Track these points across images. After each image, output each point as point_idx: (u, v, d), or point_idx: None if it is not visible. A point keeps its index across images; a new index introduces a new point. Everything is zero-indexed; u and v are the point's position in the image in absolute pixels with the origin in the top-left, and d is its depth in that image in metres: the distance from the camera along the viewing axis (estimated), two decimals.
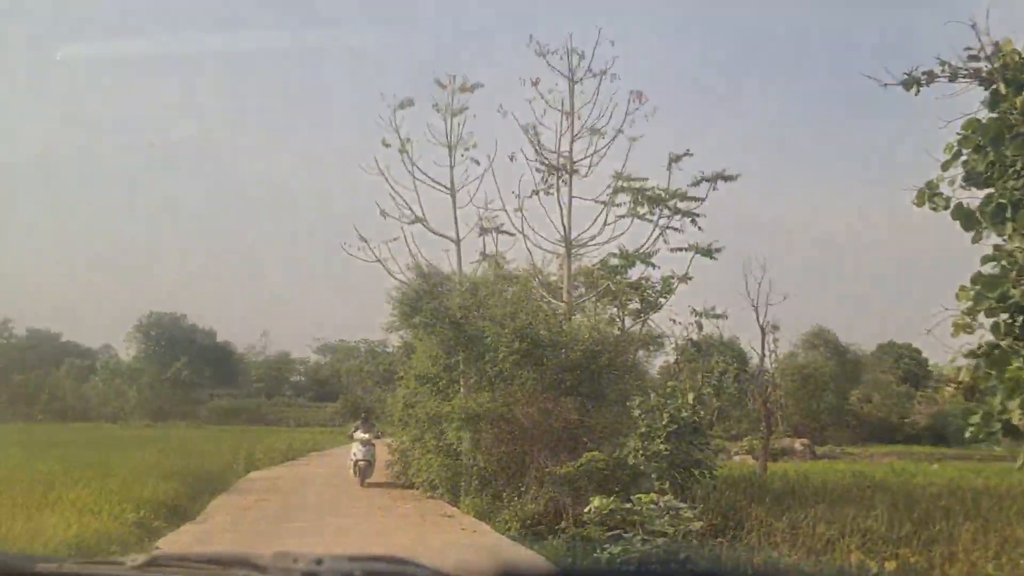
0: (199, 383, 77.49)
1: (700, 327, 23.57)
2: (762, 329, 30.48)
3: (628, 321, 23.13)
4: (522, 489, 17.25)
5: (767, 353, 31.28)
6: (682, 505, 12.12)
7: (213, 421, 66.98)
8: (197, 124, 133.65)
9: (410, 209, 20.84)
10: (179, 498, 17.51)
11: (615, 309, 23.30)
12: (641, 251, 20.40)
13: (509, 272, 22.83)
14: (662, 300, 22.71)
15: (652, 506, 11.63)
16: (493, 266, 22.53)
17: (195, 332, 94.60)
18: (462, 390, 19.71)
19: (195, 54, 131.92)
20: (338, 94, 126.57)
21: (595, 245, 20.81)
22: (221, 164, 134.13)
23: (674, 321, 22.52)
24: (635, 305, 23.36)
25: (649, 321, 22.97)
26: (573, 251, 20.86)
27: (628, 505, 12.11)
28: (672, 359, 27.33)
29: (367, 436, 22.71)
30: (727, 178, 20.58)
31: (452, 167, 20.97)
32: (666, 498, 12.12)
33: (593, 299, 21.76)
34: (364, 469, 22.25)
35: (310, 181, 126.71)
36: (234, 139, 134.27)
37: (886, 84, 9.10)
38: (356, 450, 22.61)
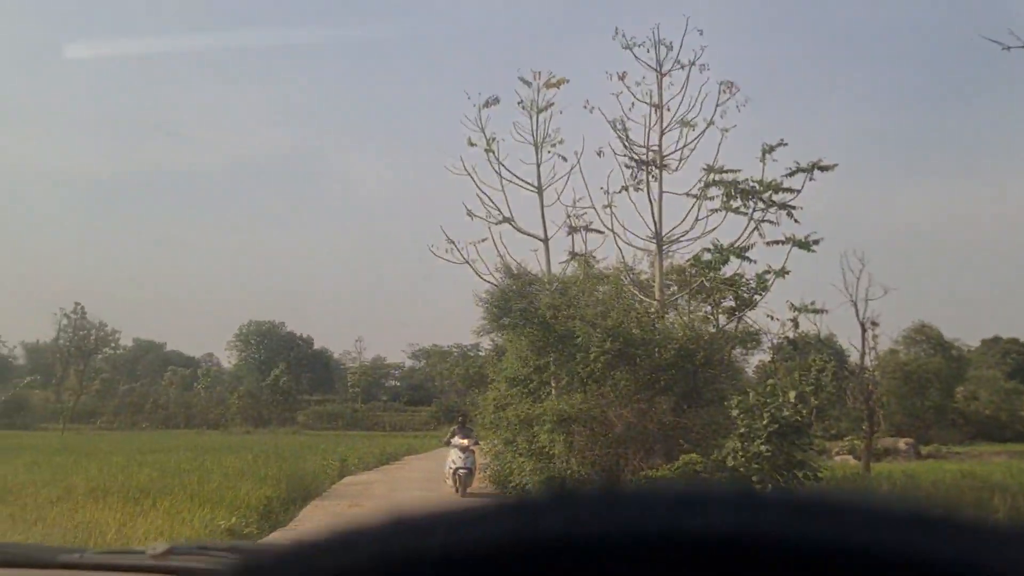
0: (297, 389, 78.42)
1: (796, 324, 22.60)
2: (862, 325, 29.31)
3: (722, 319, 22.32)
4: None
5: (867, 349, 30.11)
6: None
7: (311, 426, 67.66)
8: (285, 135, 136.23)
9: (497, 209, 20.44)
10: (271, 504, 17.30)
11: (709, 307, 22.48)
12: (736, 246, 19.58)
13: (599, 271, 22.20)
14: (757, 297, 21.78)
15: None
16: (582, 265, 21.92)
17: (293, 339, 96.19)
18: (553, 392, 19.16)
19: (277, 57, 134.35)
20: (423, 95, 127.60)
21: (687, 241, 20.10)
22: (311, 173, 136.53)
23: (771, 317, 21.59)
24: (729, 303, 22.48)
25: (745, 318, 22.07)
26: (664, 247, 20.16)
27: None
28: (768, 358, 26.38)
29: (466, 442, 20.46)
30: (824, 168, 19.62)
31: (539, 164, 20.52)
32: None
33: (686, 296, 20.95)
34: (464, 478, 20.10)
35: (399, 185, 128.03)
36: (322, 148, 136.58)
37: (1009, 47, 8.23)
38: (454, 458, 20.36)
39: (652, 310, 19.52)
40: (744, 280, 21.60)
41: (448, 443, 21.00)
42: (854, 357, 31.45)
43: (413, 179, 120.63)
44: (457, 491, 19.93)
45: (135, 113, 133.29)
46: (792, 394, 14.73)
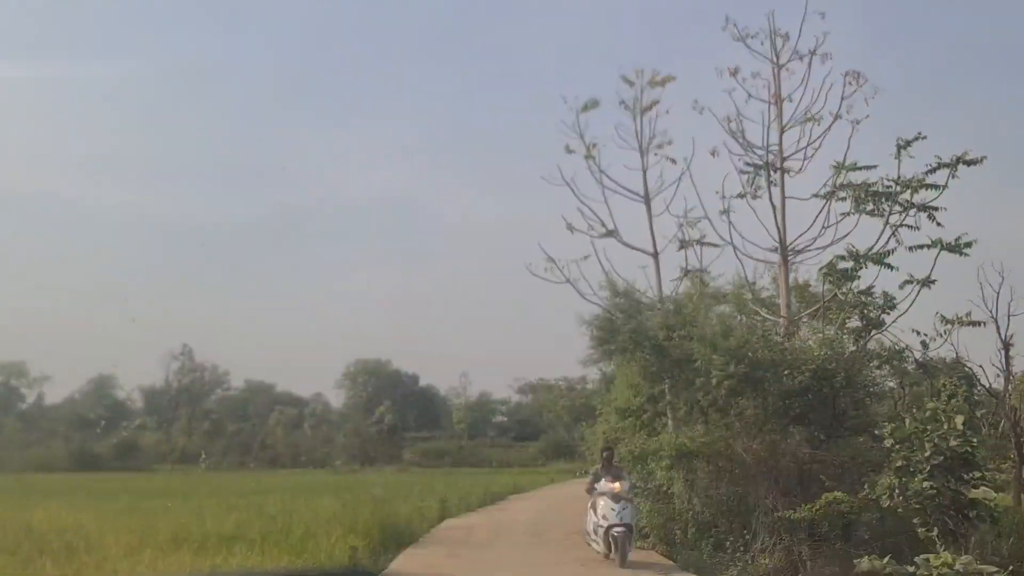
0: (403, 426, 77.35)
1: (926, 346, 19.78)
2: (1005, 344, 26.18)
3: (846, 340, 19.57)
4: (747, 537, 14.31)
5: (1009, 371, 26.89)
6: (992, 569, 8.84)
7: (417, 464, 66.25)
8: (388, 176, 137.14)
9: (600, 221, 18.32)
10: (359, 554, 15.41)
11: (832, 329, 19.76)
12: (872, 252, 17.02)
13: (715, 289, 19.85)
14: (884, 316, 19.08)
15: (947, 571, 8.46)
16: (696, 283, 19.62)
17: (399, 377, 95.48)
18: (669, 423, 16.92)
19: (376, 98, 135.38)
20: (521, 125, 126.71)
21: (815, 250, 17.59)
22: (413, 212, 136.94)
23: (917, 333, 18.89)
24: (855, 322, 19.71)
25: (880, 337, 19.31)
26: (789, 258, 17.77)
27: (911, 568, 8.97)
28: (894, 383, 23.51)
29: (617, 486, 14.51)
30: (970, 162, 16.98)
31: (644, 170, 18.34)
32: (965, 559, 8.87)
33: (819, 311, 18.23)
34: (623, 541, 14.04)
35: (501, 219, 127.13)
36: (424, 186, 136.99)
37: None
38: (604, 510, 14.40)
39: (778, 329, 17.14)
40: (871, 300, 18.98)
41: (592, 490, 15.08)
42: (988, 381, 28.24)
43: (514, 212, 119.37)
44: (610, 556, 14.38)
45: (242, 160, 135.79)
46: (960, 419, 12.22)
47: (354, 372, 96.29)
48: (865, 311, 19.12)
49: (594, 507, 14.88)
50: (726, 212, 17.48)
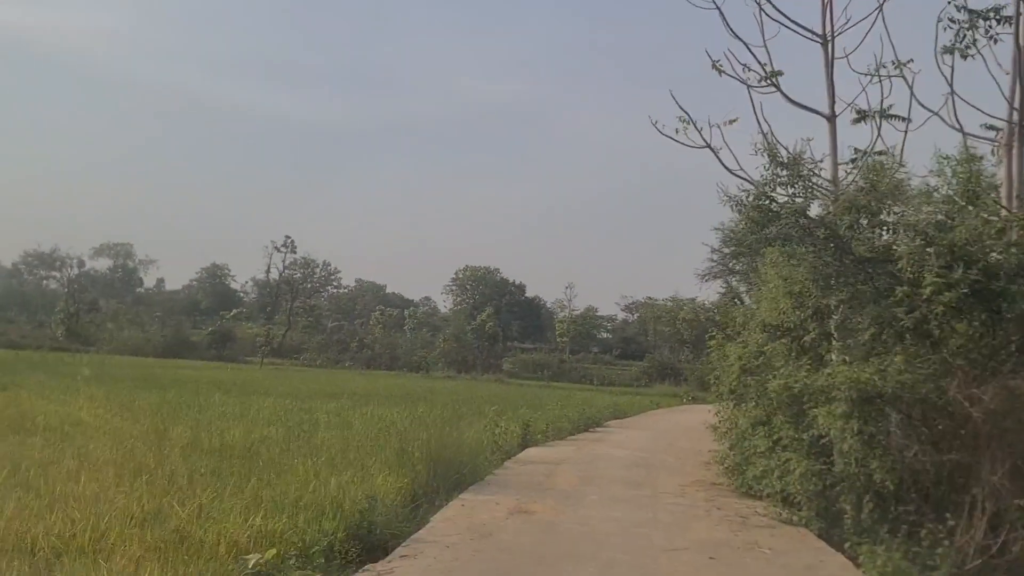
0: (506, 336, 73.24)
1: None
2: None
3: None
4: (955, 528, 8.93)
5: None
6: None
7: (516, 375, 61.88)
8: (508, 87, 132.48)
9: (758, 62, 12.57)
10: (399, 499, 10.55)
11: None
12: None
13: (902, 180, 13.93)
14: None
15: None
16: (880, 170, 13.68)
17: (506, 286, 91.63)
18: (834, 350, 11.47)
19: (502, 7, 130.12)
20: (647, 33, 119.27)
21: None
22: (531, 123, 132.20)
23: None
24: None
25: None
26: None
27: None
28: None
29: None
30: None
31: None
32: None
33: None
34: None
35: (617, 134, 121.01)
36: (543, 98, 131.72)
37: None
38: None
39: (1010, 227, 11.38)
40: None
41: None
42: None
43: (634, 126, 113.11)
44: None
45: (364, 65, 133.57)
46: None
47: (462, 278, 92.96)
48: None
49: None
50: (950, 50, 11.56)
